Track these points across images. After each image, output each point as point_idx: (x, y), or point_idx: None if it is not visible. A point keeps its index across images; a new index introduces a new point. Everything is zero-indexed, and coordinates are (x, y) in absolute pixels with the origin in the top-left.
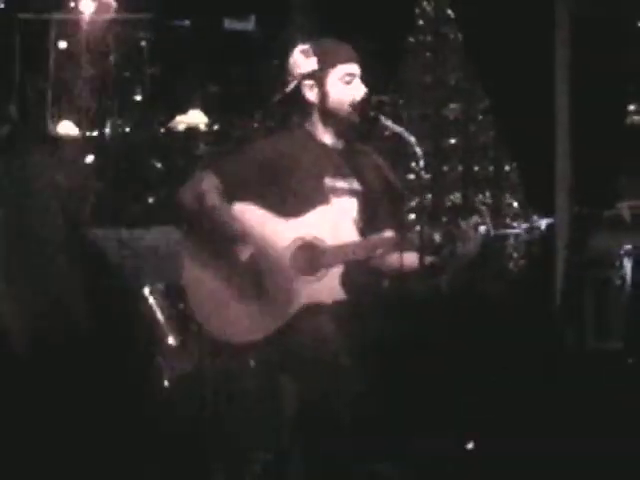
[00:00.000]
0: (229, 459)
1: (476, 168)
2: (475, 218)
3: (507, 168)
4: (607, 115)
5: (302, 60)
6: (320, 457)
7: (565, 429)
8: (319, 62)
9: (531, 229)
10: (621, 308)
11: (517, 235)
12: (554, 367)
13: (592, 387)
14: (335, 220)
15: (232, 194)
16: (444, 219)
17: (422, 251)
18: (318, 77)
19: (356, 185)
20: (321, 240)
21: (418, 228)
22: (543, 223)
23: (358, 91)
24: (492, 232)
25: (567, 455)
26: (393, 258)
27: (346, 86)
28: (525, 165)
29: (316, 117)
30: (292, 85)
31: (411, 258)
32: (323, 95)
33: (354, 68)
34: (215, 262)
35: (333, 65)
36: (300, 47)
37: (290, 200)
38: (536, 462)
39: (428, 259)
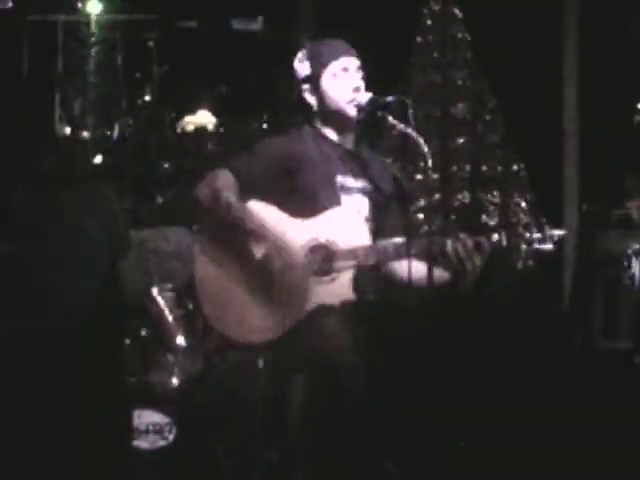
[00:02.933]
0: (239, 458)
1: (484, 168)
2: (484, 218)
3: (515, 168)
4: (615, 114)
5: (299, 66)
6: (330, 456)
7: (574, 428)
8: (312, 65)
9: (543, 239)
10: (630, 307)
11: (529, 245)
12: (563, 366)
13: (601, 386)
14: (348, 221)
15: (247, 192)
16: (453, 220)
17: (433, 258)
18: (314, 80)
19: (367, 184)
20: (334, 242)
21: (427, 232)
22: (556, 234)
23: (353, 82)
24: (504, 242)
25: (576, 453)
26: (403, 264)
27: (340, 80)
28: (533, 164)
29: (319, 120)
30: (296, 92)
31: (421, 264)
32: (320, 97)
33: (347, 62)
34: (228, 261)
35: (324, 65)
36: (300, 52)
37: (302, 198)
38: (543, 460)
39: (438, 266)
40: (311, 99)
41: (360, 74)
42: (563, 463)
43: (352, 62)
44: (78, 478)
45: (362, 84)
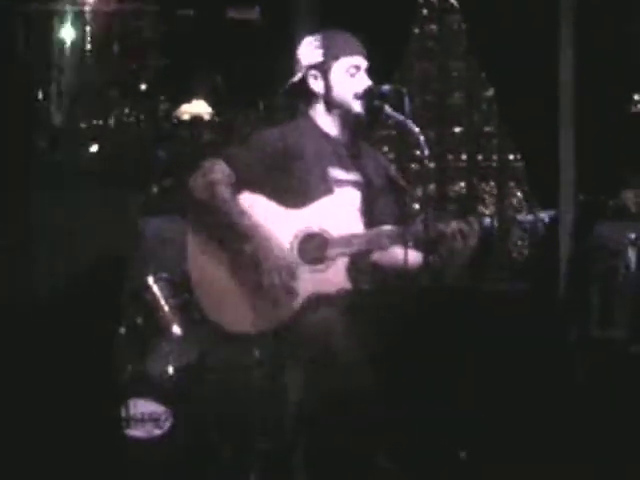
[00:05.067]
0: (233, 451)
1: (480, 157)
2: (479, 207)
3: (511, 157)
4: (611, 103)
5: (308, 51)
6: (326, 450)
7: (570, 419)
8: (324, 54)
9: (535, 222)
10: (625, 297)
11: (521, 228)
12: (558, 357)
13: (596, 376)
14: (340, 211)
15: (242, 183)
16: (448, 209)
17: (425, 244)
18: (323, 69)
19: (359, 177)
20: (326, 230)
21: (421, 220)
22: (546, 216)
23: (362, 84)
24: (495, 225)
25: (573, 445)
26: (396, 251)
27: (350, 78)
28: (529, 154)
29: (321, 108)
30: (299, 75)
31: (414, 251)
32: (327, 86)
33: (359, 60)
34: (222, 251)
35: (337, 57)
36: (308, 38)
37: (295, 189)
38: (540, 452)
39: (431, 252)
40: (317, 86)
41: (366, 74)
42: (561, 453)
43: (363, 62)
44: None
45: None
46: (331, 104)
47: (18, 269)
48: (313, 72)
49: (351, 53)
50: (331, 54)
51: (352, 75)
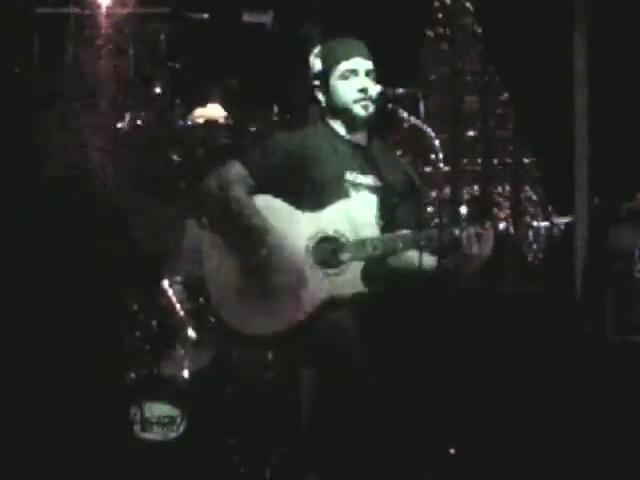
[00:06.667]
0: (249, 451)
1: (495, 161)
2: (494, 211)
3: (526, 161)
4: (626, 106)
5: (312, 62)
6: (340, 449)
7: (584, 423)
8: (323, 63)
9: (550, 226)
10: None
11: (536, 233)
12: (574, 360)
13: (612, 380)
14: (356, 215)
15: (257, 185)
16: (463, 213)
17: (441, 249)
18: (323, 78)
19: (377, 181)
20: (342, 234)
21: (437, 225)
22: (562, 222)
23: (360, 83)
24: (511, 230)
25: (585, 448)
26: (411, 255)
27: (347, 81)
28: (544, 158)
29: (328, 116)
30: (309, 86)
31: (429, 256)
32: (329, 94)
33: (357, 63)
34: (236, 253)
35: (334, 64)
36: (315, 49)
37: (312, 193)
38: (552, 456)
39: (445, 257)
40: (320, 95)
41: (371, 76)
42: (573, 457)
43: (362, 64)
44: None
45: (371, 85)
46: (335, 111)
47: None
48: (316, 82)
49: (347, 57)
50: (329, 62)
51: (346, 78)
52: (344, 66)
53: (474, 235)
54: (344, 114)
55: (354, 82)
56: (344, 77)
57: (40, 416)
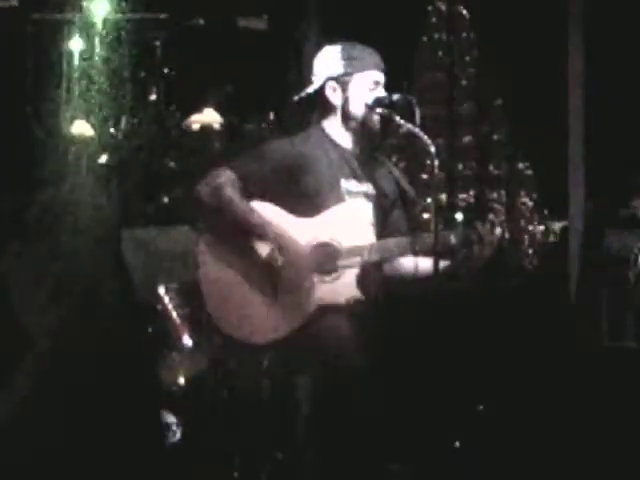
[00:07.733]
0: (243, 458)
1: (490, 166)
2: (490, 217)
3: (521, 166)
4: (622, 111)
5: (329, 62)
6: (335, 456)
7: (579, 428)
8: (346, 66)
9: (545, 231)
10: (636, 307)
11: (532, 238)
12: (570, 366)
13: (608, 386)
14: (351, 221)
15: (249, 191)
16: (459, 219)
17: (437, 254)
18: (343, 80)
19: (371, 188)
20: (337, 240)
21: (433, 230)
22: (558, 226)
23: (383, 99)
24: (506, 234)
25: (581, 454)
26: (408, 261)
27: (369, 93)
28: (539, 163)
29: (335, 119)
30: (316, 85)
31: (426, 261)
32: (346, 99)
33: (380, 76)
34: (231, 260)
35: (360, 70)
36: (329, 48)
37: (306, 200)
38: (549, 461)
39: (443, 262)
40: (334, 98)
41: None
42: (569, 462)
43: (382, 78)
44: None
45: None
46: (347, 116)
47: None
48: (332, 84)
49: (375, 68)
50: (355, 67)
51: (372, 90)
52: (369, 75)
53: (468, 240)
54: (356, 121)
55: (377, 94)
56: (370, 88)
57: (40, 416)
